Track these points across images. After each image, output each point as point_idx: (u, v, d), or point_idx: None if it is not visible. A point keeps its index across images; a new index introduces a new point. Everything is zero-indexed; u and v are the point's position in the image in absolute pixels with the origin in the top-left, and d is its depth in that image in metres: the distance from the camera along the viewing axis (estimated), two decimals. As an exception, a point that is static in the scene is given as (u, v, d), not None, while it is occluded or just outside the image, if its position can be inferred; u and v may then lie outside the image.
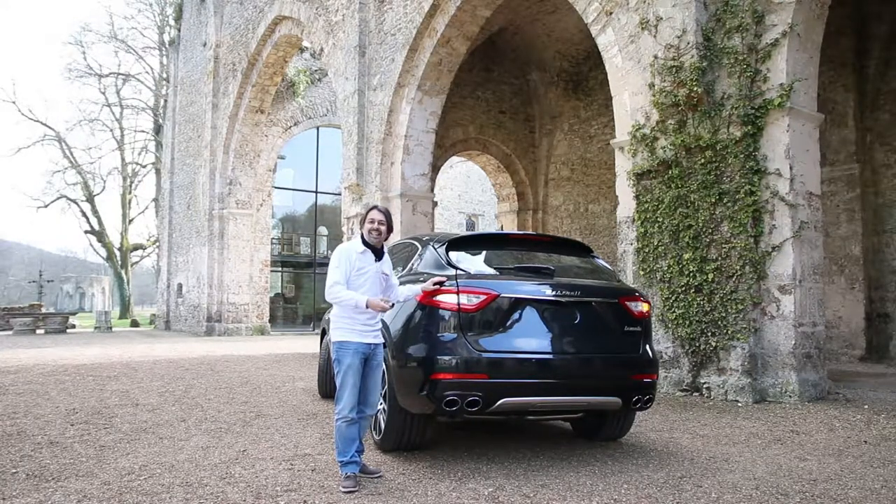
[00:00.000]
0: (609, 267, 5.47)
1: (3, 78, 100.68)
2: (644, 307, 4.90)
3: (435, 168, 15.55)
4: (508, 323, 4.46)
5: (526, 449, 5.00)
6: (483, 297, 4.40)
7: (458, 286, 4.41)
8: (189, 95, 25.02)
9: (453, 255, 4.83)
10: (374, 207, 4.36)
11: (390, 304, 4.18)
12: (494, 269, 4.84)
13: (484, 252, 5.04)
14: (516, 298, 4.48)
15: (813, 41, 7.85)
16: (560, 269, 4.93)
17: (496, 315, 4.45)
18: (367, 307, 4.06)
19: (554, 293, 4.56)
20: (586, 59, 16.89)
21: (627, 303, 4.82)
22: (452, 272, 4.53)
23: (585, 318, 4.63)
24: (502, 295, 4.45)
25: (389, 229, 4.32)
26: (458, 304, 4.36)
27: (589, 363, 4.66)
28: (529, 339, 4.50)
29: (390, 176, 13.48)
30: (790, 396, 7.19)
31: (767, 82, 7.54)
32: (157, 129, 36.83)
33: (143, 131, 41.30)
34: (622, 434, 5.32)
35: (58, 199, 40.38)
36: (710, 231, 7.70)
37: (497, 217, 19.95)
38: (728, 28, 7.75)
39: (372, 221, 4.26)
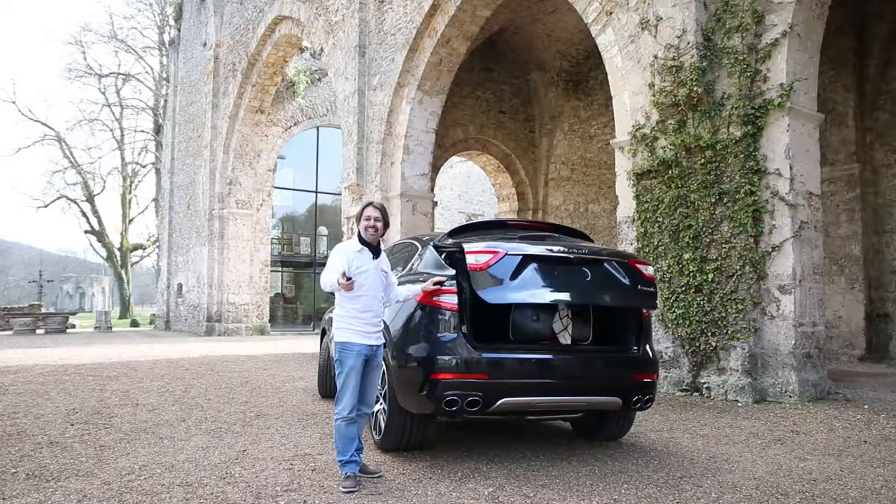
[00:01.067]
0: None
1: (3, 78, 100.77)
2: (652, 270, 4.92)
3: (435, 168, 15.55)
4: (518, 281, 4.41)
5: (526, 449, 5.00)
6: (490, 256, 4.38)
7: (462, 249, 4.42)
8: (189, 95, 25.01)
9: (456, 240, 4.83)
10: (370, 204, 4.34)
11: (346, 278, 4.00)
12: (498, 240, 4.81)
13: (486, 235, 5.04)
14: (524, 255, 4.45)
15: (813, 41, 7.85)
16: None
17: (505, 274, 4.40)
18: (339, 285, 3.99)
19: (561, 252, 4.58)
20: (586, 59, 16.89)
21: (638, 265, 4.83)
22: (452, 272, 4.51)
23: (597, 275, 4.62)
24: (509, 253, 4.43)
25: (386, 225, 4.31)
26: (466, 264, 4.36)
27: (589, 363, 4.67)
28: (543, 294, 4.49)
29: (390, 176, 13.48)
30: (790, 396, 7.19)
31: (767, 82, 7.54)
32: (157, 129, 36.84)
33: (143, 131, 41.37)
34: (622, 434, 5.32)
35: (58, 199, 40.44)
36: (710, 231, 7.70)
37: (497, 217, 19.98)
38: (728, 28, 7.75)
39: (368, 218, 4.24)
